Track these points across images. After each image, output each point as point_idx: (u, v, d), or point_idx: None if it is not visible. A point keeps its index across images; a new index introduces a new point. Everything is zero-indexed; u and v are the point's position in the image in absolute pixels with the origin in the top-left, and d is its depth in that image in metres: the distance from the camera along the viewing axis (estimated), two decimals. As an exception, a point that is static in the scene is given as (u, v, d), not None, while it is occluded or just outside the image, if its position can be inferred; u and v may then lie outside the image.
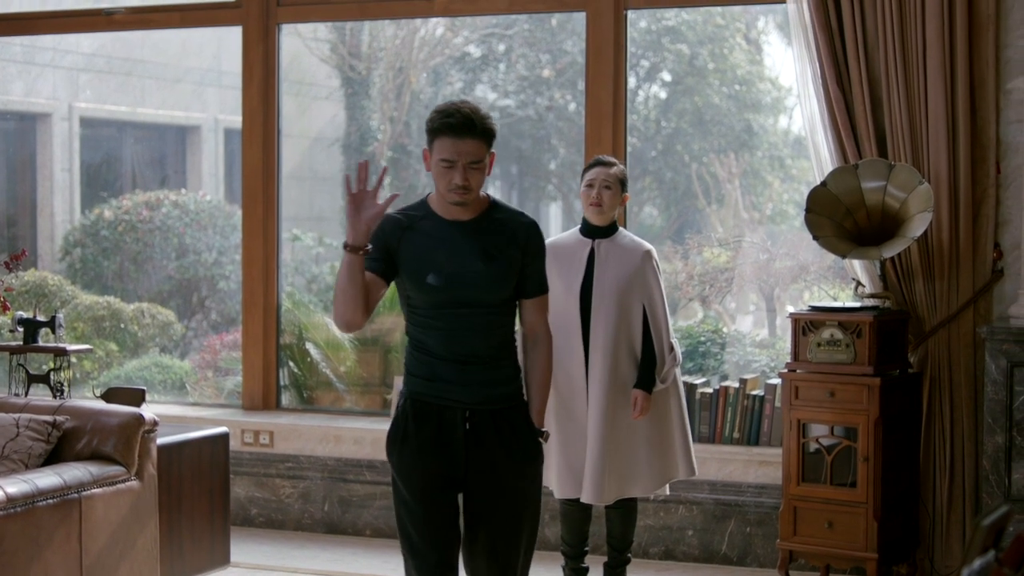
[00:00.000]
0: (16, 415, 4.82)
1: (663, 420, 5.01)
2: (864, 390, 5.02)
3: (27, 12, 7.69)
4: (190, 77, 10.02)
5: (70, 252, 9.13)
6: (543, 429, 3.77)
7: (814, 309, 5.28)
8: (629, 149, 6.24)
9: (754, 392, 5.89)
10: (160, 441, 5.13)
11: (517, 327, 3.79)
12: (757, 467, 5.79)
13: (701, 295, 7.87)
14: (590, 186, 5.02)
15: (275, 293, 6.70)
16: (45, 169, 9.36)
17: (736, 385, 5.92)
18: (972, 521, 5.29)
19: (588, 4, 6.09)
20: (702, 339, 6.96)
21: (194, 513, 5.45)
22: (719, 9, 9.40)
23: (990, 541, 2.25)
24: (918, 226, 5.04)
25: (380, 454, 6.00)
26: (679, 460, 5.05)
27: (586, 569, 5.16)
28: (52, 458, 4.80)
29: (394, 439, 3.69)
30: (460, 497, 3.71)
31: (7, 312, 5.62)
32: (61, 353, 5.48)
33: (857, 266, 5.47)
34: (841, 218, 5.26)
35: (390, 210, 3.65)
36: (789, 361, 5.22)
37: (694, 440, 5.33)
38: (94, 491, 4.66)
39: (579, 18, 6.78)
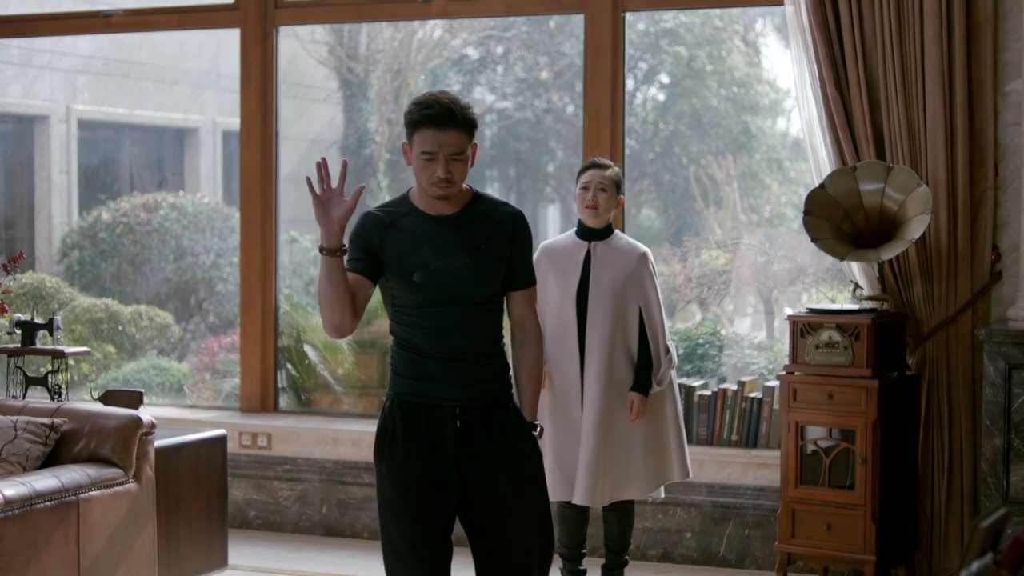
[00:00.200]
0: (14, 417, 4.82)
1: (659, 422, 5.01)
2: (862, 392, 5.02)
3: (25, 14, 7.68)
4: (188, 79, 10.01)
5: (68, 254, 9.13)
6: (536, 423, 3.67)
7: (812, 311, 5.28)
8: (627, 151, 6.25)
9: (752, 394, 5.89)
10: (158, 443, 5.13)
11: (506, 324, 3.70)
12: (755, 469, 5.79)
13: (699, 297, 7.87)
14: (585, 188, 5.02)
15: (273, 295, 6.70)
16: (43, 171, 9.35)
17: (734, 387, 5.92)
18: (970, 523, 5.29)
19: (586, 6, 6.10)
20: (700, 341, 6.95)
21: (192, 515, 5.45)
22: (717, 11, 9.40)
23: (988, 543, 2.25)
24: (916, 228, 5.04)
25: (378, 456, 5.99)
26: (674, 462, 5.06)
27: (584, 571, 5.16)
28: (50, 460, 4.80)
29: (382, 442, 3.58)
30: (458, 507, 3.56)
31: (5, 314, 5.62)
32: (59, 355, 5.48)
33: (855, 268, 5.47)
34: (839, 220, 5.26)
35: (372, 208, 3.57)
36: (787, 363, 5.22)
37: (692, 442, 5.34)
38: (92, 493, 4.66)
39: (577, 20, 6.78)
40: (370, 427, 6.44)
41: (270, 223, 6.68)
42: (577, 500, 4.92)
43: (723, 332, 7.31)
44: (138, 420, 4.89)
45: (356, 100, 9.70)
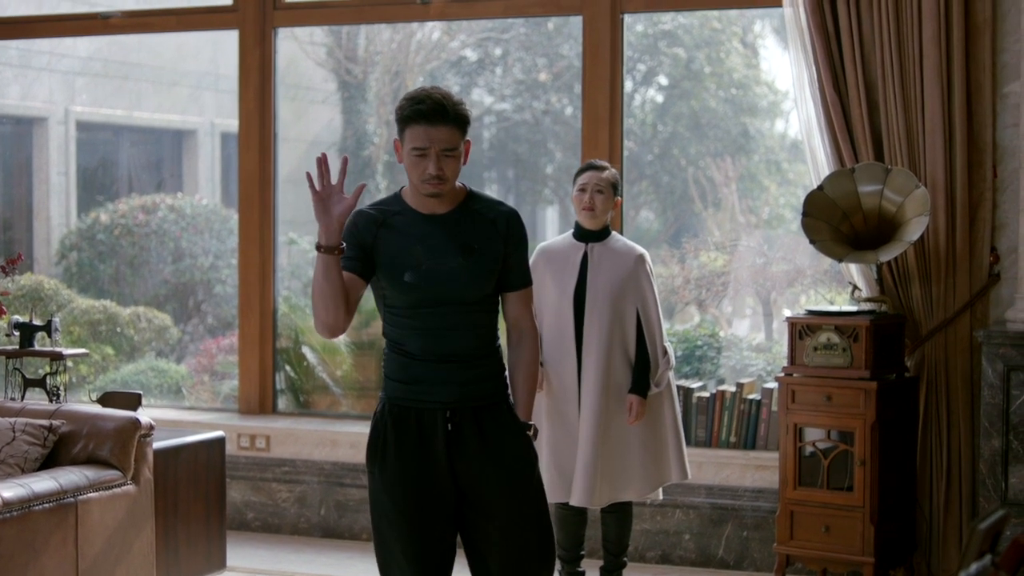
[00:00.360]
0: (12, 419, 4.82)
1: (656, 424, 5.01)
2: (861, 394, 5.02)
3: (23, 16, 7.68)
4: (186, 81, 10.01)
5: (66, 256, 9.12)
6: (531, 423, 3.63)
7: (811, 313, 5.28)
8: (626, 153, 6.24)
9: (751, 396, 5.89)
10: (156, 445, 5.12)
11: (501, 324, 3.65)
12: (754, 471, 5.79)
13: (697, 299, 7.86)
14: (582, 190, 5.02)
15: (271, 297, 6.70)
16: (41, 173, 9.34)
17: (733, 389, 5.92)
18: (969, 525, 5.29)
19: (585, 8, 6.10)
20: (698, 343, 6.95)
21: (190, 517, 5.45)
22: (716, 13, 9.40)
23: (987, 545, 2.25)
24: (915, 230, 5.04)
25: (376, 458, 5.99)
26: (672, 464, 5.05)
27: (582, 573, 5.16)
28: (48, 462, 4.79)
29: (375, 448, 3.54)
30: (456, 507, 3.53)
31: (3, 316, 5.62)
32: (57, 357, 5.47)
33: (854, 270, 5.47)
34: (838, 222, 5.26)
35: (361, 206, 3.51)
36: (786, 365, 5.22)
37: (690, 444, 5.33)
38: (90, 495, 4.66)
39: (576, 22, 6.78)
40: (368, 429, 6.44)
41: (268, 225, 6.67)
42: (575, 502, 4.91)
43: (721, 334, 7.30)
44: (136, 422, 4.88)
45: (354, 102, 9.70)
